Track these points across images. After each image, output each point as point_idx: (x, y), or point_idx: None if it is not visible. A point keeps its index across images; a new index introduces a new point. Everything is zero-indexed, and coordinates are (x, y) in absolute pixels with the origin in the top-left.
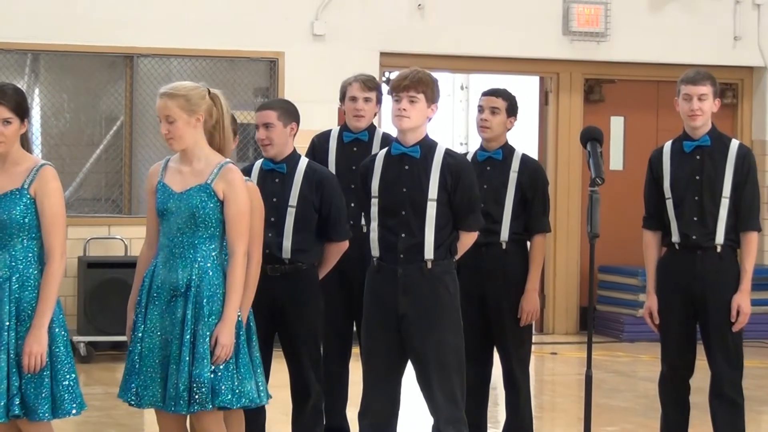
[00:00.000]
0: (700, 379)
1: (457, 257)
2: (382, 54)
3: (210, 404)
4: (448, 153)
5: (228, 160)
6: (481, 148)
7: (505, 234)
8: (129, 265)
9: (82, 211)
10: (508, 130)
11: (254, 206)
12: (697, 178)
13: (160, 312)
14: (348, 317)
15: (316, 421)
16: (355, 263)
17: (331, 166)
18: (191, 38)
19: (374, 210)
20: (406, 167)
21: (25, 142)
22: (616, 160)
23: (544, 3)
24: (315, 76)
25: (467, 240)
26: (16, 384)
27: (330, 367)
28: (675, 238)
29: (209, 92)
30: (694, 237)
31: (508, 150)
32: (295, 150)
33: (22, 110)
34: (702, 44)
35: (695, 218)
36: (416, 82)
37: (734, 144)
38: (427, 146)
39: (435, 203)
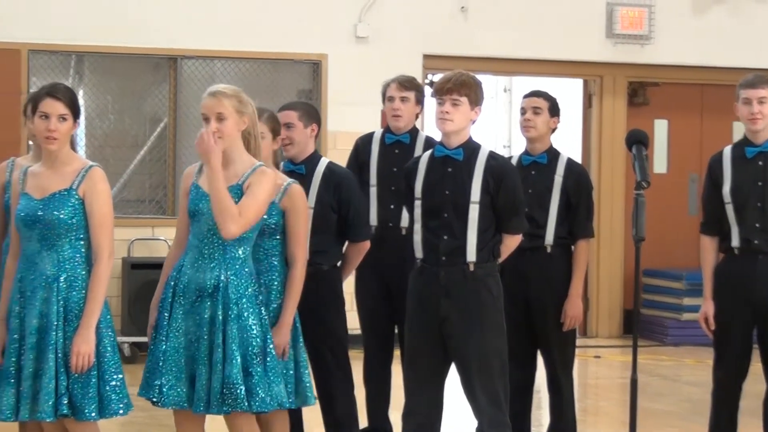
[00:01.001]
0: (750, 382)
1: (500, 260)
2: (425, 56)
3: (245, 405)
4: (492, 156)
5: (261, 162)
6: (526, 152)
7: (549, 238)
8: None
9: (126, 213)
10: (553, 130)
11: (299, 208)
12: (760, 184)
13: (184, 312)
14: (389, 319)
15: (346, 423)
16: (395, 265)
17: (373, 168)
18: (235, 40)
19: (417, 212)
20: (449, 169)
21: (71, 143)
22: (660, 163)
23: (588, 5)
24: (358, 78)
25: (511, 243)
26: (63, 383)
27: (372, 370)
28: (735, 243)
29: None
30: (756, 242)
31: (552, 154)
32: (316, 151)
33: (76, 108)
34: (746, 47)
35: (757, 224)
36: (459, 84)
37: None
38: (471, 149)
39: (477, 206)
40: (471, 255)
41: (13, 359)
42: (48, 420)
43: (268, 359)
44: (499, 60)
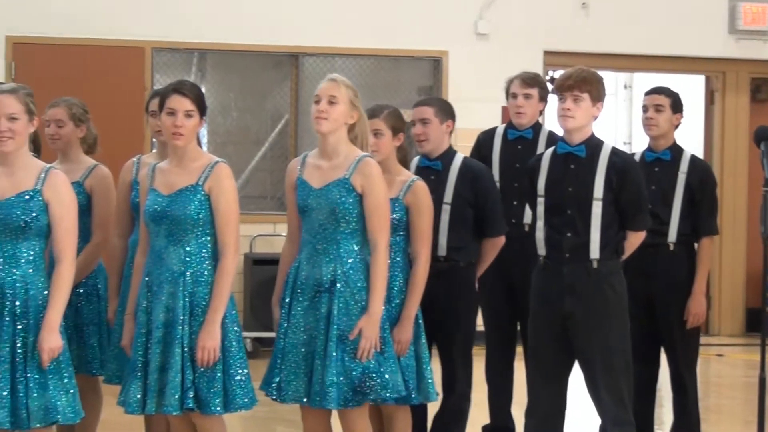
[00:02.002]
0: None
1: (624, 257)
2: (546, 53)
3: (372, 396)
4: (614, 152)
5: (366, 153)
6: (649, 149)
7: (672, 235)
8: None
9: (248, 209)
10: (676, 127)
11: (423, 205)
12: None
13: (303, 308)
14: (512, 317)
15: (455, 419)
16: (517, 262)
17: (495, 164)
18: (355, 37)
19: (540, 209)
20: (572, 166)
21: (197, 140)
22: None
23: (710, 1)
24: (478, 74)
25: (634, 240)
26: (189, 378)
27: (495, 367)
28: None
29: None
30: None
31: (676, 151)
32: (450, 147)
33: (202, 105)
34: None
35: None
36: (580, 81)
37: None
38: (593, 145)
39: (600, 203)
40: (594, 252)
41: (141, 353)
42: (174, 413)
43: (387, 350)
44: (619, 56)
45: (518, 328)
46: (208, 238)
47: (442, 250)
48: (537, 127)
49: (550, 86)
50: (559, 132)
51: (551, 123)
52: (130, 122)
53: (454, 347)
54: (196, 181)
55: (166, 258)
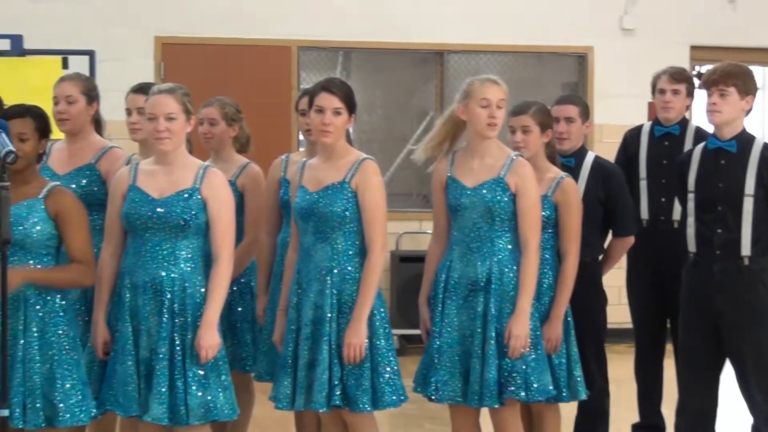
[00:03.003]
0: None
1: None
2: (692, 47)
3: (523, 394)
4: (766, 147)
5: (518, 153)
6: None
7: None
8: None
9: (394, 206)
10: None
11: (572, 202)
12: None
13: (457, 307)
14: (661, 314)
15: (598, 416)
16: (666, 259)
17: (643, 161)
18: (500, 34)
19: (691, 205)
20: (723, 162)
21: (347, 137)
22: None
23: None
24: (624, 70)
25: None
26: (337, 375)
27: (644, 364)
28: None
29: None
30: None
31: None
32: (583, 145)
33: (351, 103)
34: None
35: None
36: (726, 75)
37: None
38: (744, 140)
39: (752, 199)
40: (746, 249)
41: (290, 349)
42: (321, 410)
43: (538, 349)
44: None
45: (668, 325)
46: (356, 235)
47: None
48: (684, 123)
49: (696, 81)
50: (706, 127)
51: (698, 119)
52: (277, 121)
53: (586, 343)
54: (343, 178)
55: (314, 255)
